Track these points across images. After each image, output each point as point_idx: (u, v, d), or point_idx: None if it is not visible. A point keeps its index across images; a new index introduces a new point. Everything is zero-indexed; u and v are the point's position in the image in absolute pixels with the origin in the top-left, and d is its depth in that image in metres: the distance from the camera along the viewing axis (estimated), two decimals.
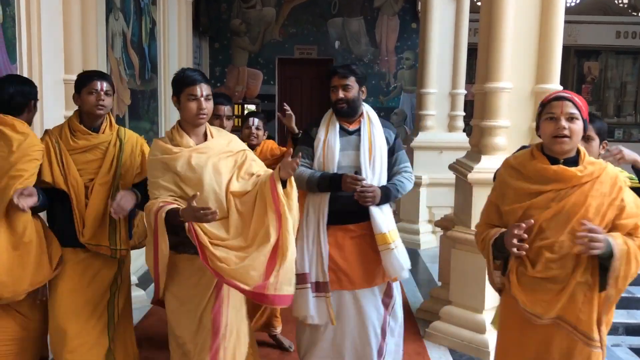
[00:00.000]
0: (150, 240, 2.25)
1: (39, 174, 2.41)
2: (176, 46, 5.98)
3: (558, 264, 1.91)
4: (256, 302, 2.37)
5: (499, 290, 2.19)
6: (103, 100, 2.50)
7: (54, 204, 2.50)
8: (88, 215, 2.49)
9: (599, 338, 1.92)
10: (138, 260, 4.67)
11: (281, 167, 2.22)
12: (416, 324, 3.88)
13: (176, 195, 2.26)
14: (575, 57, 9.32)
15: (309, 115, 7.99)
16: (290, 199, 2.27)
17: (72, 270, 2.54)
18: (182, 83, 2.30)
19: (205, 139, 2.37)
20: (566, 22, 3.57)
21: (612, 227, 1.92)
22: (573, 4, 8.15)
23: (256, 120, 3.36)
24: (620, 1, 8.63)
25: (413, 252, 5.92)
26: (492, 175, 3.24)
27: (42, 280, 2.42)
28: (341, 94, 2.66)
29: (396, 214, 6.70)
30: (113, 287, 2.65)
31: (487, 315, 3.44)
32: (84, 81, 2.52)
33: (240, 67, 8.57)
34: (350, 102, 2.67)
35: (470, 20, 6.20)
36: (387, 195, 2.65)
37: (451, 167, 3.99)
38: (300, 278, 2.61)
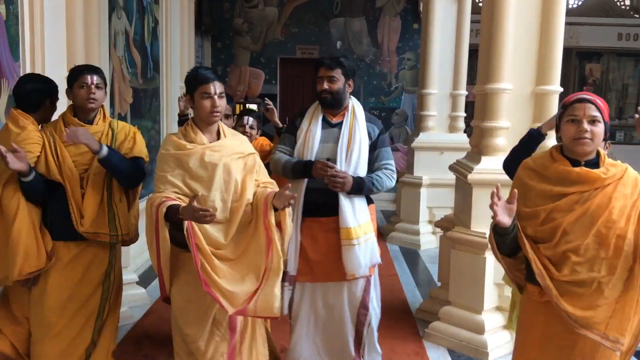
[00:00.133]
0: (152, 234, 2.26)
1: (35, 166, 2.46)
2: (178, 45, 5.99)
3: (585, 267, 1.89)
4: None
5: (520, 286, 2.16)
6: (94, 93, 2.54)
7: (51, 198, 2.53)
8: (86, 205, 2.51)
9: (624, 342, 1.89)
10: (139, 259, 4.69)
11: (277, 196, 2.26)
12: (415, 324, 3.89)
13: (180, 193, 2.27)
14: (577, 58, 9.31)
15: None
16: (284, 221, 2.33)
17: (63, 266, 2.55)
18: (196, 81, 2.32)
19: (218, 137, 2.40)
20: (568, 23, 3.58)
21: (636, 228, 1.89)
22: (575, 6, 8.16)
23: (250, 119, 3.41)
24: (622, 3, 8.63)
25: (413, 253, 5.93)
26: (491, 176, 3.27)
27: (32, 270, 2.45)
28: (326, 85, 2.66)
29: (396, 215, 6.72)
30: (106, 283, 2.66)
31: (486, 316, 3.45)
32: (75, 75, 2.56)
33: (242, 66, 8.58)
34: (335, 94, 2.67)
35: (472, 21, 6.20)
36: (359, 185, 2.61)
37: (451, 168, 4.00)
38: None
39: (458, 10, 6.17)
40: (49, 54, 3.19)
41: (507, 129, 3.45)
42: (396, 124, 8.61)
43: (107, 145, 2.52)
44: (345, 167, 2.63)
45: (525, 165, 2.09)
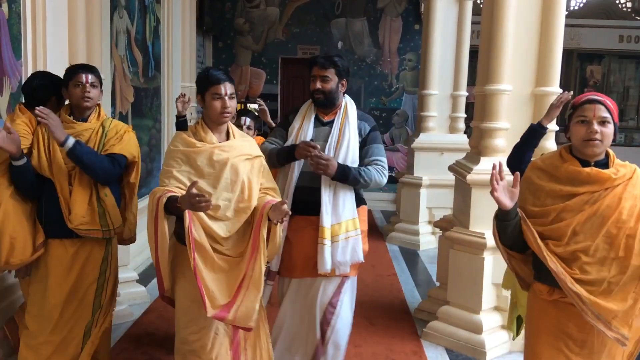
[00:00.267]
0: (152, 226, 2.27)
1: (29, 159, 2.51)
2: (180, 44, 6.01)
3: (595, 268, 1.90)
4: None
5: (522, 281, 2.17)
6: (89, 92, 2.57)
7: (42, 194, 2.56)
8: (74, 200, 2.53)
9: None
10: (139, 257, 4.71)
11: (273, 209, 2.28)
12: (414, 324, 3.91)
13: (184, 189, 2.28)
14: (578, 60, 9.32)
15: None
16: (274, 232, 2.36)
17: (61, 264, 2.58)
18: (207, 82, 2.34)
19: (228, 137, 2.42)
20: (569, 25, 3.60)
21: None
22: (576, 8, 8.16)
23: (248, 120, 3.43)
24: (624, 5, 8.63)
25: (413, 253, 5.94)
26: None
27: (17, 263, 2.49)
28: (318, 85, 2.67)
29: (396, 215, 6.73)
30: (100, 279, 2.68)
31: (484, 315, 3.47)
32: (70, 74, 2.60)
33: (243, 66, 8.60)
34: (327, 94, 2.67)
35: (473, 23, 6.21)
36: (344, 172, 2.58)
37: (450, 169, 4.01)
38: None
39: (459, 12, 6.19)
40: (50, 52, 3.20)
41: (507, 130, 3.46)
42: (397, 125, 8.62)
43: (77, 140, 2.51)
44: None
45: (535, 165, 2.09)
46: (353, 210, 2.67)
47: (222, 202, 2.29)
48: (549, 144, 3.38)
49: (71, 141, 2.48)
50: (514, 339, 2.91)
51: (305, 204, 2.63)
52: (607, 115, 1.93)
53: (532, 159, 2.76)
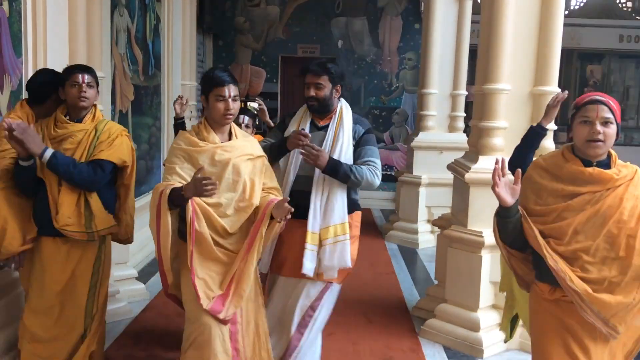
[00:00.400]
0: (154, 219, 2.28)
1: None
2: (180, 43, 6.02)
3: (596, 267, 1.91)
4: None
5: (521, 280, 2.18)
6: (85, 92, 2.59)
7: (38, 192, 2.59)
8: (62, 201, 2.55)
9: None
10: (138, 255, 4.73)
11: (276, 207, 2.32)
12: (412, 322, 3.93)
13: None
14: (578, 60, 9.32)
15: None
16: (271, 231, 2.39)
17: (53, 262, 2.61)
18: (212, 83, 2.36)
19: (230, 137, 2.45)
20: (570, 25, 3.61)
21: None
22: (576, 7, 8.16)
23: (246, 118, 3.45)
24: (624, 5, 8.62)
25: (411, 251, 5.96)
26: (489, 176, 3.28)
27: (5, 253, 2.53)
28: (312, 92, 2.68)
29: (395, 213, 6.75)
30: (94, 278, 2.69)
31: (482, 313, 3.48)
32: (67, 74, 2.62)
33: (243, 64, 8.61)
34: (321, 101, 2.69)
35: (473, 22, 6.21)
36: (335, 166, 2.59)
37: (449, 167, 4.03)
38: None
39: (459, 11, 6.20)
40: (51, 50, 3.22)
41: (505, 129, 3.47)
42: (396, 124, 8.63)
43: (54, 152, 2.50)
44: None
45: (537, 165, 2.10)
46: (343, 214, 2.67)
47: (223, 201, 2.32)
48: (548, 143, 3.40)
49: (48, 153, 2.48)
50: (505, 342, 2.91)
51: (299, 207, 2.64)
52: (609, 115, 1.93)
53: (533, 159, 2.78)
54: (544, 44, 3.43)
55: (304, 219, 2.63)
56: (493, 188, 1.96)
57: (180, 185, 2.26)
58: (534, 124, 3.09)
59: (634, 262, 1.89)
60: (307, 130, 2.72)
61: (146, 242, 4.65)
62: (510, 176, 2.00)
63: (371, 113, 8.58)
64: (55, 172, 2.52)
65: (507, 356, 3.45)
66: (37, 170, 2.54)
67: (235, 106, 2.38)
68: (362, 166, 2.66)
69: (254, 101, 4.79)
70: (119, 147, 2.68)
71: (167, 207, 2.23)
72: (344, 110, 2.77)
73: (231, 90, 2.35)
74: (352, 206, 2.76)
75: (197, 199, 2.25)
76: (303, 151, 2.56)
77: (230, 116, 2.38)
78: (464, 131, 6.34)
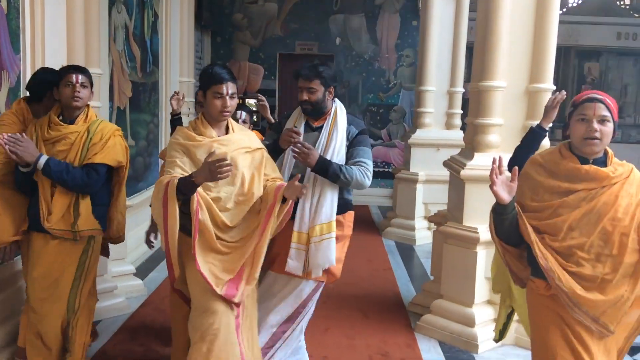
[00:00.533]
0: (160, 211, 2.29)
1: None
2: (178, 39, 6.03)
3: (590, 264, 1.94)
4: None
5: (516, 277, 2.20)
6: (79, 92, 2.61)
7: (34, 191, 2.62)
8: (55, 202, 2.58)
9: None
10: (135, 251, 4.74)
11: (288, 187, 2.35)
12: (408, 317, 3.95)
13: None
14: (576, 57, 9.33)
15: None
16: (282, 212, 2.43)
17: (44, 257, 2.64)
18: (210, 80, 2.37)
19: (227, 132, 2.47)
20: (567, 22, 3.62)
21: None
22: (574, 5, 8.17)
23: (243, 114, 3.47)
24: (622, 2, 8.64)
25: (408, 248, 5.99)
26: (484, 173, 3.30)
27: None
28: (305, 97, 2.71)
29: (392, 210, 6.77)
30: (78, 271, 2.70)
31: (477, 309, 3.51)
32: (61, 75, 2.65)
33: (241, 61, 8.61)
34: (314, 104, 2.72)
35: (470, 19, 6.23)
36: (324, 164, 2.61)
37: (445, 164, 4.05)
38: None
39: (456, 8, 6.22)
40: (49, 47, 3.23)
41: (500, 126, 3.49)
42: (394, 121, 8.65)
43: (48, 159, 2.52)
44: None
45: (534, 161, 2.13)
46: (331, 213, 2.69)
47: (223, 195, 2.35)
48: (543, 140, 3.41)
49: (42, 161, 2.51)
50: (496, 342, 2.93)
51: (293, 208, 2.67)
52: (607, 113, 1.95)
53: None
54: (539, 41, 3.45)
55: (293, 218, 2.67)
56: (491, 186, 1.98)
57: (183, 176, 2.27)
58: (528, 124, 3.11)
59: (625, 260, 1.92)
60: (301, 131, 2.73)
61: (144, 240, 4.66)
62: (507, 174, 2.03)
63: (369, 110, 8.60)
64: (49, 178, 2.56)
65: (502, 351, 3.48)
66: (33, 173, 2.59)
67: (232, 103, 2.39)
68: (352, 166, 2.68)
69: (253, 97, 4.79)
70: (112, 148, 2.69)
71: (174, 196, 2.23)
72: (339, 111, 2.79)
73: (229, 88, 2.37)
74: (345, 206, 2.79)
75: (200, 192, 2.28)
76: (294, 149, 2.58)
77: (227, 113, 2.40)
78: (461, 128, 6.35)
